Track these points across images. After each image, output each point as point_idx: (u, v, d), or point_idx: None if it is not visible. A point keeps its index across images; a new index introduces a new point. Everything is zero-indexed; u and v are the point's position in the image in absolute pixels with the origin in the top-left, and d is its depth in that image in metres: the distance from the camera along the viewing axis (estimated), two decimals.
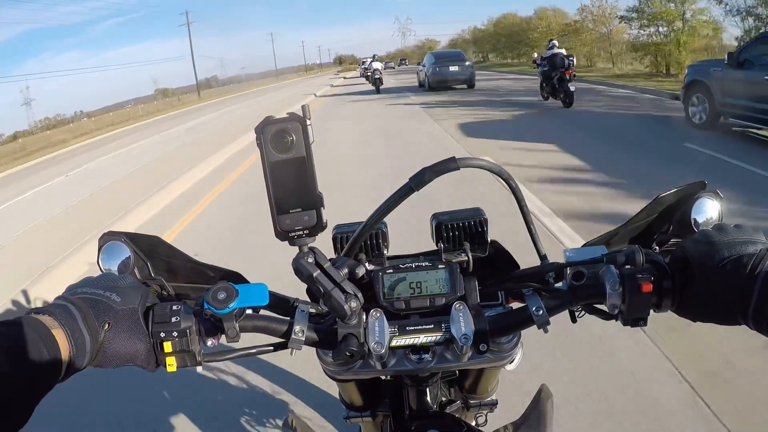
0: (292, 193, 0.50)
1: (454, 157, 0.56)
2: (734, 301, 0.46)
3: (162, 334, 0.48)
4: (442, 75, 16.33)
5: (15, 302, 3.38)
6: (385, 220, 0.61)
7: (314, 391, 2.06)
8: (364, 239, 0.64)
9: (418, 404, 0.74)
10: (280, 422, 1.86)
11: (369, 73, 19.17)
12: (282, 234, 0.51)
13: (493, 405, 0.88)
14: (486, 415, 0.91)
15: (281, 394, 2.09)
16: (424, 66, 18.16)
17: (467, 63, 16.56)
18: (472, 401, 0.86)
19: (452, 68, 16.34)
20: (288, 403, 2.03)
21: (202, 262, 0.63)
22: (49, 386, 0.41)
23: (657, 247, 0.64)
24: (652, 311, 0.52)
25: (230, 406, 2.06)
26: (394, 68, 54.47)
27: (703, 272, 0.48)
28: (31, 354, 0.39)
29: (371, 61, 19.63)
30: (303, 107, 0.50)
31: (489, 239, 0.68)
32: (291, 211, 0.50)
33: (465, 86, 16.70)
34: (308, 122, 0.49)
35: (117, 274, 0.57)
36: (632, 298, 0.50)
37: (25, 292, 3.49)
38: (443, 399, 0.84)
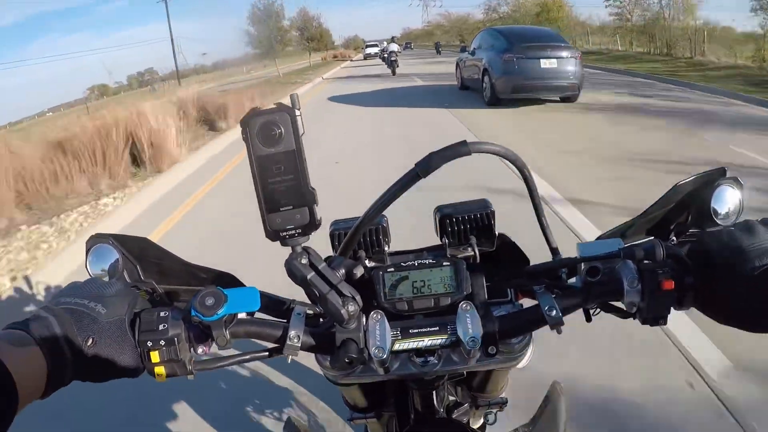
0: (283, 189, 0.46)
1: (465, 140, 0.52)
2: (764, 311, 0.44)
3: (149, 343, 0.46)
4: (524, 75, 8.01)
5: None
6: (385, 214, 0.59)
7: (321, 382, 1.56)
8: (363, 235, 0.62)
9: (424, 408, 0.70)
10: (282, 419, 1.75)
11: (385, 55, 19.11)
12: (273, 234, 0.47)
13: (502, 404, 0.85)
14: (495, 414, 0.88)
15: (284, 390, 1.93)
16: (471, 54, 9.94)
17: (571, 54, 8.26)
18: (480, 400, 0.83)
19: (545, 63, 8.04)
20: (290, 394, 1.91)
21: (193, 264, 0.60)
22: (24, 403, 0.39)
23: (675, 238, 0.60)
24: (672, 309, 0.49)
25: (231, 402, 1.92)
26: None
27: (730, 278, 0.45)
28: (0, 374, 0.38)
29: (388, 44, 19.19)
30: (291, 96, 0.48)
31: (497, 232, 0.65)
32: (282, 209, 0.47)
33: (557, 98, 8.48)
34: (297, 113, 0.46)
35: (105, 279, 0.53)
36: (652, 296, 0.48)
37: None
38: (450, 400, 0.80)
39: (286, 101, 0.47)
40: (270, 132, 0.45)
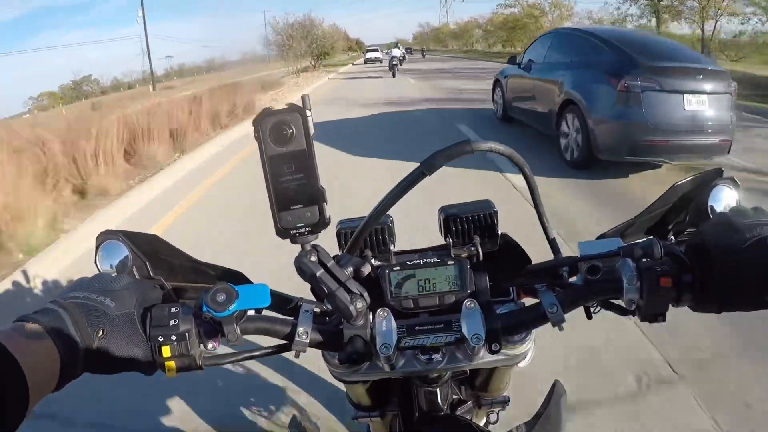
0: (293, 188, 0.48)
1: (468, 140, 0.54)
2: (764, 283, 0.45)
3: (160, 338, 0.46)
4: (656, 121, 4.25)
5: None
6: (390, 213, 0.61)
7: (323, 385, 1.90)
8: (369, 234, 0.63)
9: (428, 405, 0.73)
10: (287, 419, 1.77)
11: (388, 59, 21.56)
12: (283, 232, 0.49)
13: (505, 402, 0.86)
14: (498, 413, 0.90)
15: (288, 389, 1.97)
16: (526, 69, 6.28)
17: (724, 87, 4.54)
18: (483, 399, 0.84)
19: (692, 102, 4.32)
20: (292, 397, 1.91)
21: (202, 261, 0.61)
22: (38, 397, 0.40)
23: (673, 238, 0.62)
24: (671, 306, 0.50)
25: (235, 399, 1.94)
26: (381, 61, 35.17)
27: (724, 256, 0.46)
28: (10, 369, 0.38)
29: (392, 49, 22.38)
30: (303, 98, 0.49)
31: (499, 232, 0.66)
32: (292, 207, 0.48)
33: (692, 155, 4.67)
34: (308, 113, 0.47)
35: (114, 274, 0.53)
36: (650, 293, 0.49)
37: None
38: (454, 398, 0.83)
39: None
40: (282, 132, 0.46)
